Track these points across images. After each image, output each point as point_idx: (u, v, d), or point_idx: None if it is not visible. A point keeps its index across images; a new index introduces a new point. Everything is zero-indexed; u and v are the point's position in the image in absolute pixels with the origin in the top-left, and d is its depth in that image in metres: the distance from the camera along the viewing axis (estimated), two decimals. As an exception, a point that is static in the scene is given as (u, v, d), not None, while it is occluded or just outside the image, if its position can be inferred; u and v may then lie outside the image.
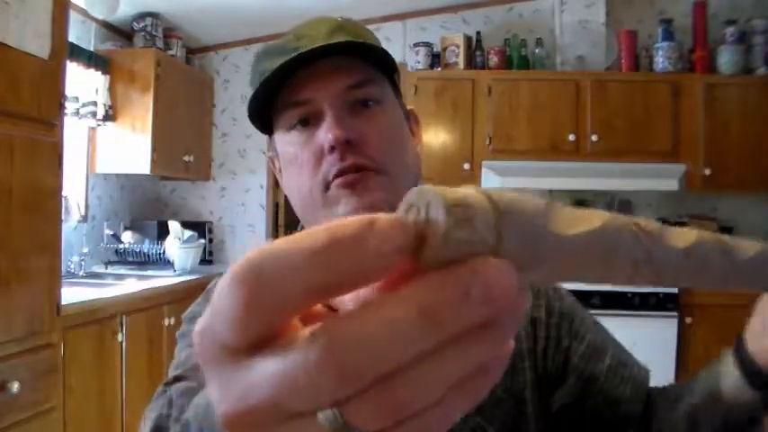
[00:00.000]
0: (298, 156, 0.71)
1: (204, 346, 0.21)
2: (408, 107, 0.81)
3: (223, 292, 0.20)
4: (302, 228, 0.80)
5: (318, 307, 0.22)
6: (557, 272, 0.23)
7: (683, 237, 0.26)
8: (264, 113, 0.74)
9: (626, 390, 0.73)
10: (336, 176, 0.68)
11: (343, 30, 0.71)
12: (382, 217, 0.20)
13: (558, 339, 0.75)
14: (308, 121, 0.70)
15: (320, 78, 0.69)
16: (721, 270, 0.27)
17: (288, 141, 0.72)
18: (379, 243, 0.19)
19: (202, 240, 3.82)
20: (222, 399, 0.21)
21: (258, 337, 0.20)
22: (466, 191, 0.21)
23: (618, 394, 0.73)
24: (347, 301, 0.21)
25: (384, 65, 0.73)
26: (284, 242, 0.20)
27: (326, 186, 0.69)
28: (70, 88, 2.94)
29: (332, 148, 0.67)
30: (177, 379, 0.64)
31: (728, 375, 0.61)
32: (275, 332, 0.20)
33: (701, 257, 0.26)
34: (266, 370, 0.20)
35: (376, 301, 0.19)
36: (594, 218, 0.23)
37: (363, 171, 0.68)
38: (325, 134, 0.67)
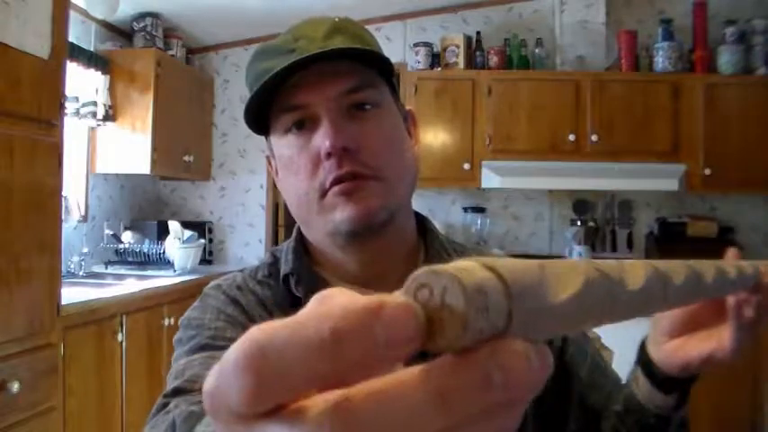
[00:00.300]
0: (294, 160, 0.71)
1: (214, 409, 0.20)
2: (407, 108, 0.80)
3: (229, 371, 0.19)
4: (299, 230, 0.80)
5: None
6: (550, 335, 0.23)
7: (635, 277, 0.27)
8: (261, 115, 0.73)
9: (600, 396, 0.74)
10: (333, 183, 0.68)
11: (340, 30, 0.70)
12: (390, 302, 0.19)
13: (549, 342, 0.75)
14: (305, 125, 0.70)
15: (317, 82, 0.69)
16: (661, 303, 0.29)
17: (284, 144, 0.72)
18: (388, 334, 0.18)
19: (202, 240, 3.82)
20: None
21: (267, 410, 0.20)
22: (475, 269, 0.20)
23: (591, 400, 0.74)
24: None
25: (381, 67, 0.73)
26: (288, 327, 0.19)
27: (323, 193, 0.69)
28: (70, 88, 2.94)
29: (328, 155, 0.67)
30: (177, 391, 0.63)
31: (638, 382, 0.63)
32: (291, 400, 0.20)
33: (646, 297, 0.28)
34: None
35: (394, 381, 0.19)
36: (574, 274, 0.24)
37: (360, 179, 0.68)
38: (322, 140, 0.67)
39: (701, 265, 0.37)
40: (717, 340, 0.55)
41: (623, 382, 0.77)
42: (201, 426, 0.47)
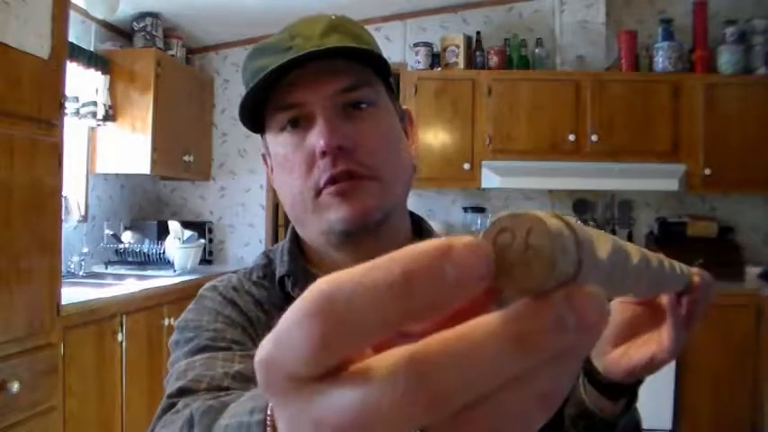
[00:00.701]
0: (289, 158, 0.71)
1: (270, 377, 0.20)
2: (403, 107, 0.80)
3: (293, 324, 0.19)
4: (293, 229, 0.80)
5: None
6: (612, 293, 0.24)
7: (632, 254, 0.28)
8: (256, 113, 0.73)
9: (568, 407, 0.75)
10: (327, 183, 0.68)
11: (337, 29, 0.70)
12: (458, 243, 0.19)
13: None
14: (300, 123, 0.70)
15: (312, 81, 0.68)
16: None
17: (279, 143, 0.72)
18: (458, 272, 0.18)
19: (202, 240, 3.82)
20: (293, 429, 0.20)
21: (332, 368, 0.19)
22: (548, 216, 0.20)
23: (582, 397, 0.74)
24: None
25: (378, 66, 0.73)
26: (355, 274, 0.19)
27: (317, 192, 0.69)
28: (70, 88, 2.94)
29: (323, 154, 0.67)
30: (182, 391, 0.62)
31: (586, 390, 0.64)
32: (349, 361, 0.20)
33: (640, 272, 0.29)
34: (347, 399, 0.19)
35: (468, 328, 0.19)
36: (606, 238, 0.24)
37: (356, 179, 0.68)
38: (317, 139, 0.67)
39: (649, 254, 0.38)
40: (657, 343, 0.56)
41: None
42: (225, 418, 0.46)
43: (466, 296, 0.19)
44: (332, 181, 0.68)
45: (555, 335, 0.19)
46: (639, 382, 0.62)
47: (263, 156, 0.80)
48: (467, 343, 0.18)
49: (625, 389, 0.62)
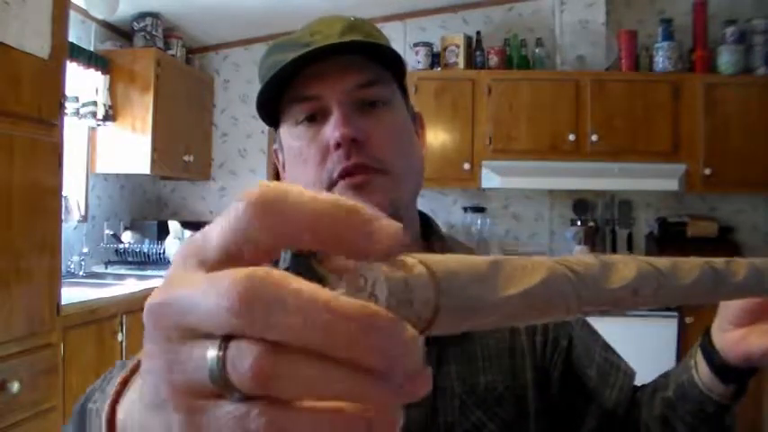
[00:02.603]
0: (303, 150, 0.71)
1: (185, 249, 0.24)
2: (416, 110, 0.81)
3: (236, 207, 0.22)
4: None
5: None
6: (494, 324, 0.26)
7: (620, 275, 0.30)
8: (273, 106, 0.74)
9: (611, 394, 0.74)
10: (341, 175, 0.68)
11: (356, 29, 0.71)
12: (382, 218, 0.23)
13: (556, 340, 0.76)
14: (316, 117, 0.71)
15: (330, 75, 0.69)
16: (651, 296, 0.32)
17: (294, 135, 0.72)
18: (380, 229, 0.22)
19: (202, 240, 3.82)
20: (156, 291, 0.23)
21: (235, 260, 0.22)
22: (412, 265, 0.23)
23: (603, 399, 0.74)
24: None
25: (394, 67, 0.73)
26: (300, 188, 0.23)
27: (330, 184, 0.69)
28: (70, 88, 2.94)
29: (338, 146, 0.68)
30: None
31: (698, 369, 0.63)
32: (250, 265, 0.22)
33: (633, 291, 0.31)
34: (205, 280, 0.22)
35: (315, 286, 0.21)
36: (536, 272, 0.27)
37: (369, 173, 0.68)
38: (332, 131, 0.68)
39: (726, 263, 0.38)
40: None
41: (633, 370, 0.77)
42: (90, 402, 0.46)
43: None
44: (345, 173, 0.68)
45: (358, 335, 0.21)
46: (754, 370, 0.60)
47: (275, 152, 0.80)
48: (299, 287, 0.21)
49: (738, 374, 0.60)
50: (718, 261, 0.37)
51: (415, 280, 0.23)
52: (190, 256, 0.24)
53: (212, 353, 0.21)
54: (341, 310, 0.21)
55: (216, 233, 0.23)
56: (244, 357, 0.21)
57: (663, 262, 0.33)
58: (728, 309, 0.59)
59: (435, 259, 0.24)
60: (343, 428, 0.22)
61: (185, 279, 0.23)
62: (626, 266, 0.31)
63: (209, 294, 0.21)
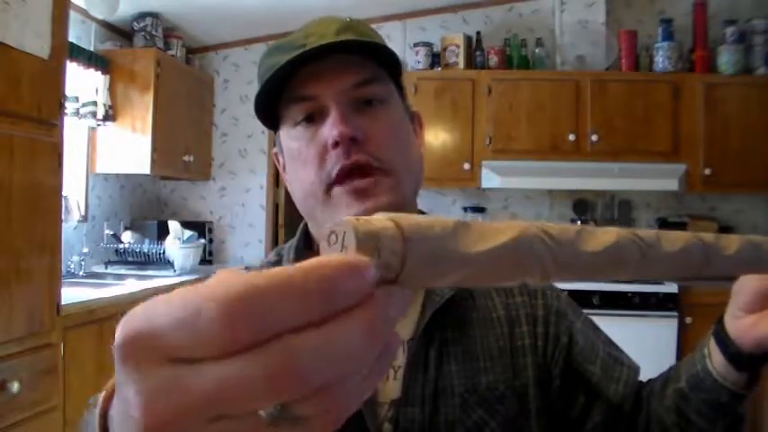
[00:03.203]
0: (302, 151, 0.71)
1: (139, 351, 0.23)
2: (413, 109, 0.81)
3: (194, 305, 0.22)
4: (304, 228, 0.80)
5: None
6: (466, 281, 0.27)
7: (598, 240, 0.31)
8: (271, 109, 0.74)
9: (617, 388, 0.74)
10: (339, 177, 0.68)
11: (351, 29, 0.71)
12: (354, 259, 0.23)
13: (557, 338, 0.76)
14: (313, 117, 0.71)
15: (327, 75, 0.69)
16: (635, 264, 0.32)
17: (293, 136, 0.73)
18: (355, 283, 0.23)
19: (202, 240, 3.82)
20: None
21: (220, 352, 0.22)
22: (379, 221, 0.25)
23: (609, 394, 0.74)
24: None
25: (390, 65, 0.73)
26: (267, 278, 0.22)
27: (330, 184, 0.69)
28: (70, 88, 2.94)
29: (336, 144, 0.68)
30: None
31: (712, 358, 0.63)
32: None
33: (614, 257, 0.31)
34: (217, 372, 0.22)
35: (330, 325, 0.23)
36: (508, 231, 0.28)
37: (371, 174, 0.68)
38: (330, 130, 0.68)
39: (716, 237, 0.38)
40: None
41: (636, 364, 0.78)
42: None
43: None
44: (344, 172, 0.68)
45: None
46: (766, 357, 0.60)
47: (276, 155, 0.81)
48: (325, 338, 0.22)
49: (751, 361, 0.60)
50: (708, 235, 0.37)
51: (382, 231, 0.24)
52: (149, 353, 0.23)
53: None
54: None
55: (177, 331, 0.22)
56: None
57: (648, 233, 0.34)
58: (741, 295, 0.59)
59: (405, 216, 0.26)
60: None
61: (184, 376, 0.23)
62: (605, 233, 0.31)
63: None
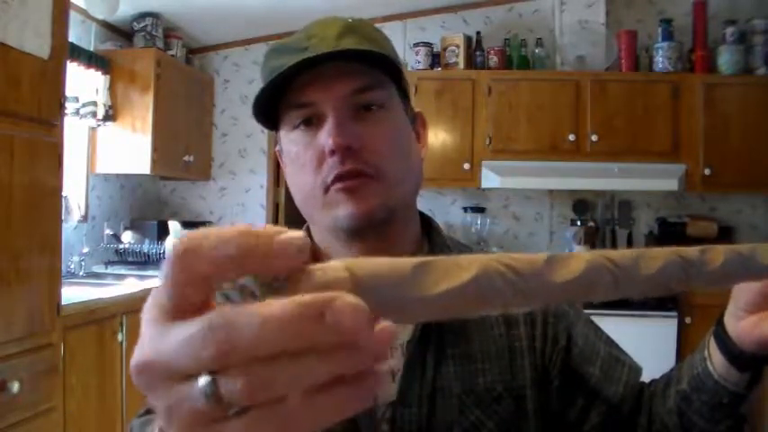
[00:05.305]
0: (300, 155, 0.72)
1: (148, 304, 0.27)
2: (416, 110, 0.81)
3: (165, 260, 0.26)
4: (307, 228, 0.81)
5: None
6: (426, 318, 0.29)
7: (568, 269, 0.31)
8: (271, 110, 0.75)
9: (617, 389, 0.74)
10: (335, 180, 0.69)
11: (353, 31, 0.71)
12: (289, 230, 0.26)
13: (555, 339, 0.76)
14: (312, 122, 0.71)
15: (326, 81, 0.70)
16: (607, 289, 0.33)
17: (292, 140, 0.73)
18: (283, 241, 0.26)
19: (202, 240, 3.81)
20: (139, 347, 0.27)
21: (186, 304, 0.26)
22: (335, 269, 0.26)
23: (608, 395, 0.74)
24: None
25: (391, 69, 0.73)
26: (212, 228, 0.26)
27: (326, 188, 0.70)
28: (70, 88, 2.94)
29: (332, 152, 0.68)
30: (148, 411, 0.67)
31: (712, 359, 0.63)
32: (199, 303, 0.26)
33: (584, 285, 0.31)
34: (174, 333, 0.25)
35: (265, 303, 0.25)
36: (470, 268, 0.28)
37: (362, 177, 0.69)
38: (326, 138, 0.68)
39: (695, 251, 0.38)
40: None
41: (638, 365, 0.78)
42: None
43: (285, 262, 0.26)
44: (339, 178, 0.69)
45: (316, 323, 0.24)
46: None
47: (278, 153, 0.81)
48: (257, 310, 0.24)
49: (753, 361, 0.60)
50: (692, 250, 0.37)
51: (334, 283, 0.26)
52: (152, 311, 0.27)
53: (204, 386, 0.25)
54: (281, 315, 0.24)
55: (162, 288, 0.26)
56: (233, 382, 0.24)
57: (624, 254, 0.34)
58: (741, 295, 0.58)
59: (364, 262, 0.27)
60: (346, 402, 0.25)
61: (159, 335, 0.26)
62: (576, 260, 0.32)
63: (185, 346, 0.25)
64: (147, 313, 0.27)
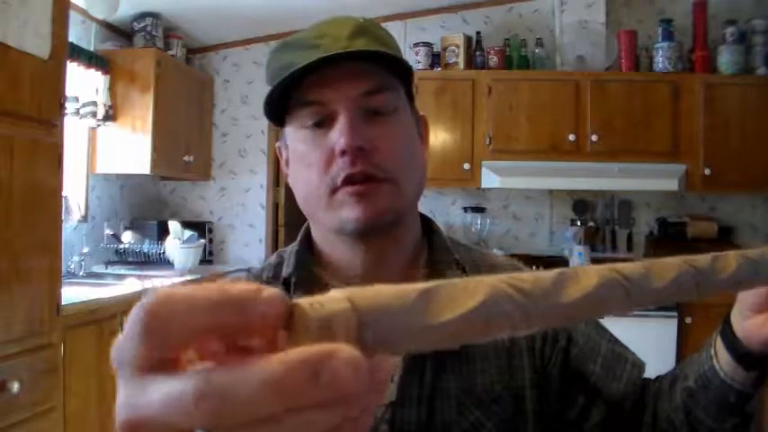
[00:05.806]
0: (308, 154, 0.72)
1: (118, 360, 0.25)
2: (420, 113, 0.81)
3: (132, 317, 0.23)
4: (306, 230, 0.81)
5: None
6: (433, 346, 0.27)
7: (578, 286, 0.30)
8: (279, 106, 0.74)
9: (618, 386, 0.74)
10: (345, 182, 0.69)
11: (365, 32, 0.71)
12: (269, 289, 0.24)
13: (555, 339, 0.76)
14: (322, 122, 0.71)
15: (338, 81, 0.69)
16: (619, 304, 0.32)
17: (300, 138, 0.73)
18: (264, 306, 0.23)
19: (202, 240, 3.82)
20: (123, 406, 0.24)
21: (157, 360, 0.24)
22: (335, 301, 0.25)
23: (609, 392, 0.74)
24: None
25: (402, 72, 0.74)
26: (186, 289, 0.24)
27: (334, 189, 0.70)
28: (70, 88, 2.94)
29: (343, 153, 0.68)
30: None
31: (719, 358, 0.63)
32: (172, 360, 0.24)
33: (595, 303, 0.30)
34: (160, 389, 0.23)
35: (250, 361, 0.23)
36: (476, 293, 0.27)
37: (372, 182, 0.69)
38: (338, 138, 0.68)
39: (709, 259, 0.37)
40: None
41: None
42: None
43: (266, 326, 0.24)
44: (349, 180, 0.69)
45: (309, 383, 0.22)
46: None
47: (279, 148, 0.81)
48: (242, 371, 0.22)
49: (760, 360, 0.60)
50: (702, 259, 0.36)
51: (335, 317, 0.24)
52: (125, 368, 0.25)
53: None
54: (279, 375, 0.22)
55: (130, 344, 0.24)
56: None
57: (634, 267, 0.33)
58: (748, 295, 0.58)
59: (365, 292, 0.25)
60: None
61: (142, 390, 0.24)
62: (587, 278, 0.31)
63: (174, 405, 0.23)
64: (118, 365, 0.25)
